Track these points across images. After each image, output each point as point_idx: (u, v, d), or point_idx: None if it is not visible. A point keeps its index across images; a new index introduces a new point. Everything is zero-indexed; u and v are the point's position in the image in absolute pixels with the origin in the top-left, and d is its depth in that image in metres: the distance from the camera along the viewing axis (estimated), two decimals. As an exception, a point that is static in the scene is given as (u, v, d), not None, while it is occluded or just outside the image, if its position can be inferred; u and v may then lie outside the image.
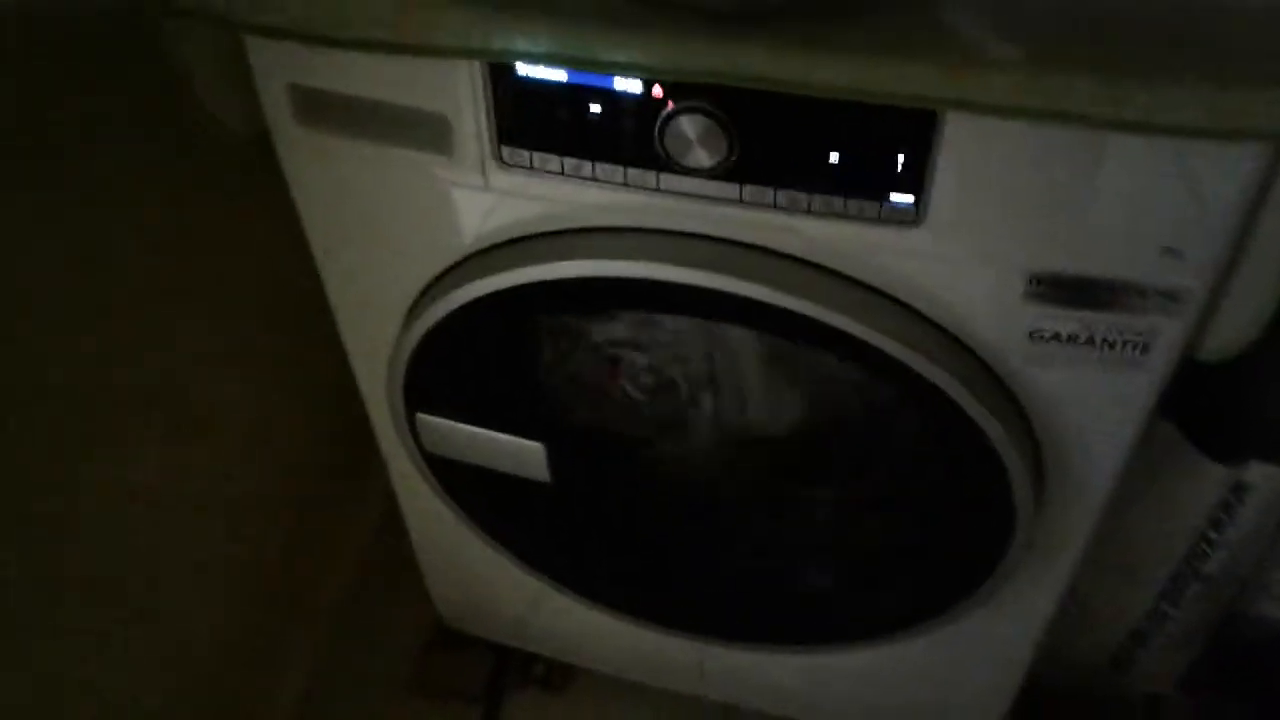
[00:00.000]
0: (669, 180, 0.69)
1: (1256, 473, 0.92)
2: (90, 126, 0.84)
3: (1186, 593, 1.06)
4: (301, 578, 1.31)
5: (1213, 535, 0.99)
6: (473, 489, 1.00)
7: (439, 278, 0.82)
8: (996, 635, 1.01)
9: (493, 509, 1.02)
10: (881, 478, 0.97)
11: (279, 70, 0.73)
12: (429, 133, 0.72)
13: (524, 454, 0.91)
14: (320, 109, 0.74)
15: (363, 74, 0.71)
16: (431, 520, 1.10)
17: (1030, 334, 0.72)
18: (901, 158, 0.65)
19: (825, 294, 0.71)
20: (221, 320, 1.05)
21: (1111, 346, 0.72)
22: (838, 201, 0.68)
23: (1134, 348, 0.71)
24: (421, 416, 0.92)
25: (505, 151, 0.71)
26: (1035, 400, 0.77)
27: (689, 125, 0.65)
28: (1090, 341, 0.72)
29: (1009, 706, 1.15)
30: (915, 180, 0.66)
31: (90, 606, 0.95)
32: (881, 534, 0.98)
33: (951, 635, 0.99)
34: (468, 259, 0.79)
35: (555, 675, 1.32)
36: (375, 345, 0.89)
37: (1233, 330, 0.71)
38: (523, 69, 0.67)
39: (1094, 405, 0.77)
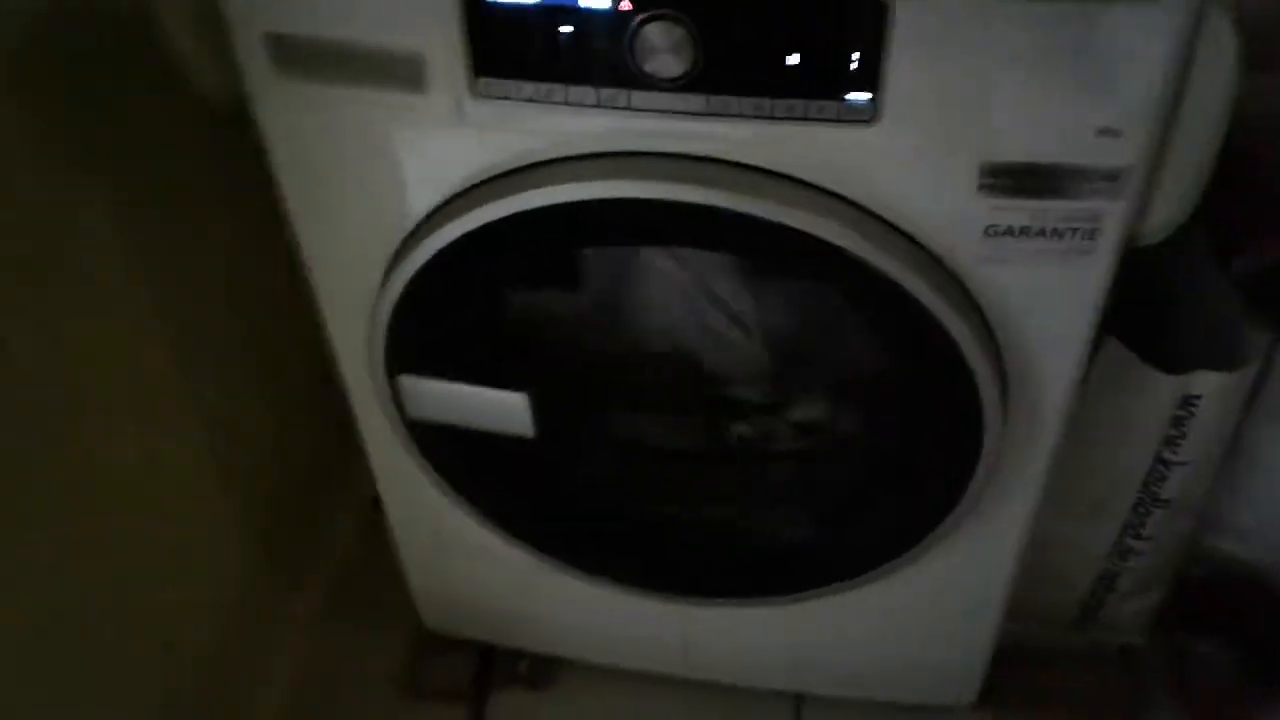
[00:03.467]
0: (640, 98, 0.73)
1: (1203, 382, 0.97)
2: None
3: (1149, 521, 1.10)
4: (286, 582, 1.31)
5: (1168, 455, 1.04)
6: (456, 456, 1.02)
7: (419, 225, 0.84)
8: (973, 569, 1.03)
9: (476, 476, 1.04)
10: (852, 402, 1.01)
11: (254, 19, 0.76)
12: (404, 71, 0.75)
13: (506, 407, 0.93)
14: (297, 56, 0.77)
15: (338, 16, 0.74)
16: (413, 502, 1.11)
17: (986, 229, 0.77)
18: (856, 55, 0.69)
19: (789, 199, 0.75)
20: (191, 308, 1.07)
21: (1061, 236, 0.76)
22: (799, 105, 0.72)
23: (1082, 235, 0.76)
24: (403, 379, 0.93)
25: (481, 83, 0.75)
26: (994, 300, 0.81)
27: (656, 33, 0.70)
28: (1042, 233, 0.76)
29: (987, 660, 1.18)
30: (870, 77, 0.70)
31: (72, 595, 0.95)
32: (853, 468, 1.01)
33: (928, 572, 1.02)
34: (447, 202, 0.82)
35: (539, 672, 1.31)
36: (355, 307, 0.91)
37: (1169, 209, 0.76)
38: (495, -6, 0.71)
39: (1049, 301, 0.81)
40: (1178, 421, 1.01)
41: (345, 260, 0.90)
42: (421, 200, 0.83)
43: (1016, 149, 0.73)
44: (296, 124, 0.81)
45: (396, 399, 0.95)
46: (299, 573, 1.35)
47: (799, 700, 1.28)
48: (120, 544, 1.00)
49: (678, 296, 0.96)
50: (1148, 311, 0.98)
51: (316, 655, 1.33)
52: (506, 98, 0.75)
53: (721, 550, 1.07)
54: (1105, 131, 0.71)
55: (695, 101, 0.73)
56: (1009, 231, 0.77)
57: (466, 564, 1.19)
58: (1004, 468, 0.92)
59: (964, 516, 0.95)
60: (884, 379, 0.92)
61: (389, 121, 0.79)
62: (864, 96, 0.71)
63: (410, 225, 0.85)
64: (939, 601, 1.08)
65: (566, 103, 0.75)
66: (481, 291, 0.89)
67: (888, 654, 1.17)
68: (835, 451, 1.03)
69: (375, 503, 1.38)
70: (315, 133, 0.81)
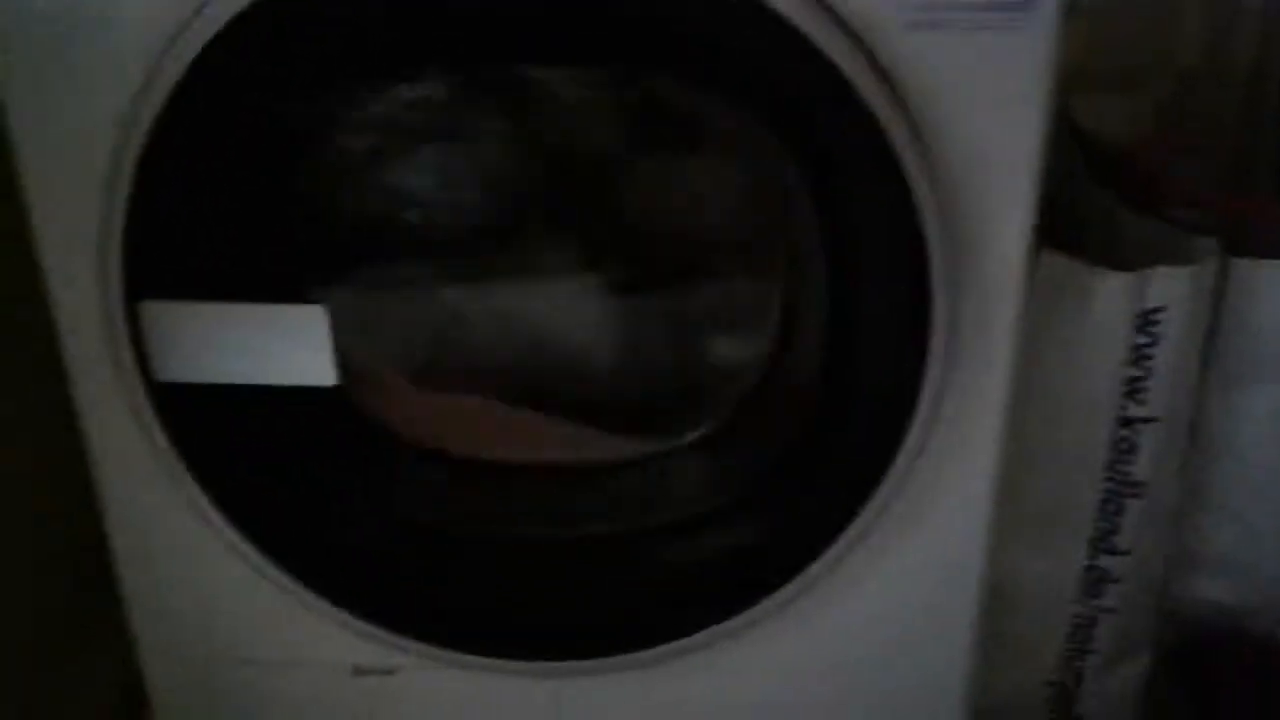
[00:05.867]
0: None
1: (1163, 287, 0.80)
2: None
3: (1123, 523, 0.89)
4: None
5: (1133, 410, 0.83)
6: (227, 464, 0.73)
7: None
8: (937, 558, 0.78)
9: (259, 495, 0.75)
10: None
11: None
12: None
13: (295, 331, 0.68)
14: None
15: None
16: (165, 557, 0.80)
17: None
18: None
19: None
20: None
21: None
22: None
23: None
24: (148, 306, 0.67)
25: None
26: (926, 97, 0.64)
27: None
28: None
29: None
30: None
31: None
32: (778, 415, 0.78)
33: (884, 571, 0.77)
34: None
35: None
36: (83, 221, 0.66)
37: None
38: None
39: (987, 94, 0.65)
40: (1139, 355, 0.83)
41: (69, 145, 0.65)
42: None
43: None
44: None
45: (139, 349, 0.68)
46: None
47: None
48: None
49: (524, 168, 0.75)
50: (1092, 221, 0.84)
51: None
52: None
53: (597, 580, 0.79)
54: None
55: None
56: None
57: (250, 688, 0.86)
58: (959, 366, 0.71)
59: (915, 458, 0.72)
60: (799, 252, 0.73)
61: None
62: None
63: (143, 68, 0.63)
64: (882, 636, 0.82)
65: None
66: (237, 151, 0.66)
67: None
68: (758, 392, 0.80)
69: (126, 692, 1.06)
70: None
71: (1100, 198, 0.92)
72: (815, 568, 0.76)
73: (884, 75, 0.63)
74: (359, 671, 0.83)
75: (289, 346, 0.68)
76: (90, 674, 1.04)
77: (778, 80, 0.62)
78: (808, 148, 0.67)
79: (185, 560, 0.79)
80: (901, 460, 0.72)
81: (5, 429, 0.86)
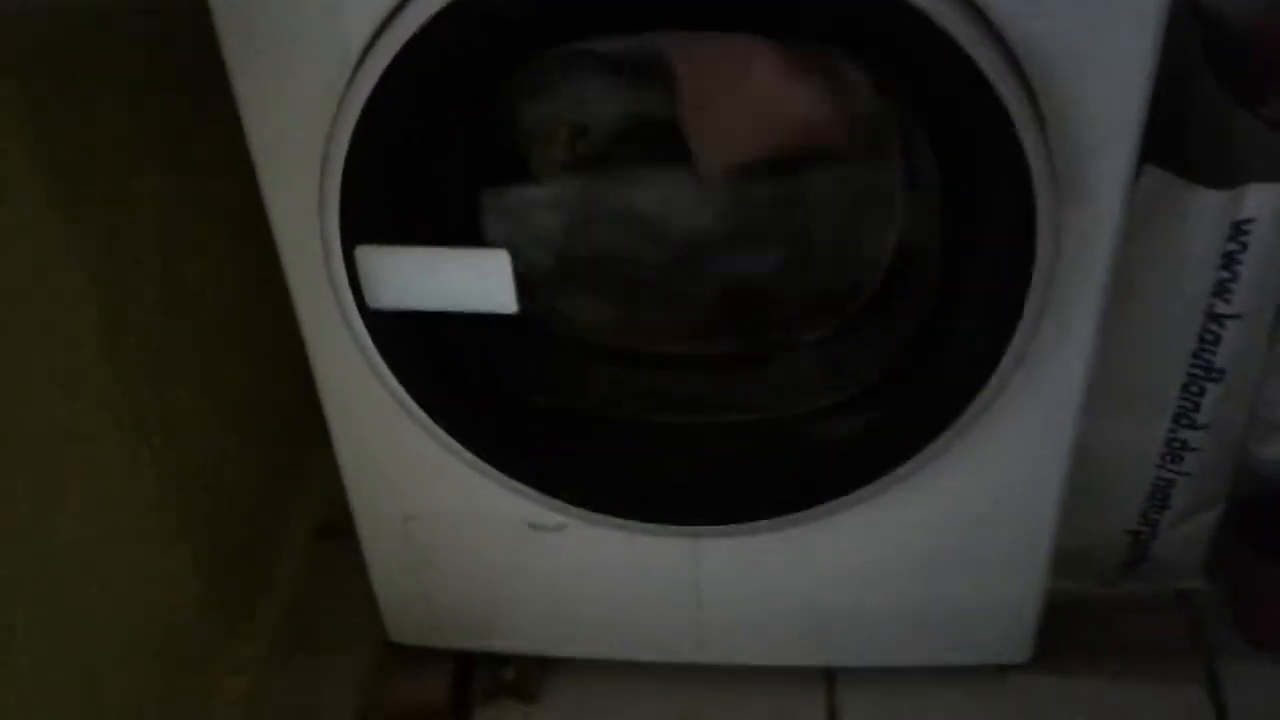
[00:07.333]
0: None
1: (1256, 200, 0.88)
2: None
3: (1204, 403, 0.99)
4: (226, 616, 1.12)
5: (1220, 307, 0.92)
6: (425, 367, 0.88)
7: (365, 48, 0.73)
8: (1025, 447, 0.91)
9: (450, 391, 0.89)
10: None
11: None
12: None
13: (484, 272, 0.80)
14: None
15: None
16: (379, 454, 0.96)
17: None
18: None
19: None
20: (124, 274, 0.92)
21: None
22: None
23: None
24: (362, 251, 0.80)
25: None
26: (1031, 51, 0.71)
27: None
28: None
29: (1044, 594, 1.03)
30: None
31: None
32: (892, 320, 0.89)
33: (977, 460, 0.90)
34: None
35: (528, 679, 1.13)
36: (304, 181, 0.78)
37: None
38: None
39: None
40: (1229, 260, 0.91)
41: (290, 115, 0.77)
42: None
43: None
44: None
45: (355, 285, 0.82)
46: (242, 606, 1.16)
47: (830, 678, 1.12)
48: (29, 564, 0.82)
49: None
50: (1190, 133, 0.90)
51: (265, 694, 1.13)
52: None
53: (737, 459, 0.93)
54: None
55: None
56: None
57: (442, 536, 1.03)
58: (1062, 273, 0.79)
59: (1030, 334, 0.81)
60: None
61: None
62: None
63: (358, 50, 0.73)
64: (986, 504, 0.95)
65: None
66: (441, 116, 0.77)
67: (925, 600, 1.02)
68: (873, 302, 0.91)
69: (319, 533, 1.25)
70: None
71: (1208, 87, 0.97)
72: (931, 448, 0.88)
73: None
74: (533, 526, 1.00)
75: (479, 282, 0.81)
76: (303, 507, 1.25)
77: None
78: (904, 66, 0.74)
79: (390, 445, 0.95)
80: (1010, 354, 0.82)
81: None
